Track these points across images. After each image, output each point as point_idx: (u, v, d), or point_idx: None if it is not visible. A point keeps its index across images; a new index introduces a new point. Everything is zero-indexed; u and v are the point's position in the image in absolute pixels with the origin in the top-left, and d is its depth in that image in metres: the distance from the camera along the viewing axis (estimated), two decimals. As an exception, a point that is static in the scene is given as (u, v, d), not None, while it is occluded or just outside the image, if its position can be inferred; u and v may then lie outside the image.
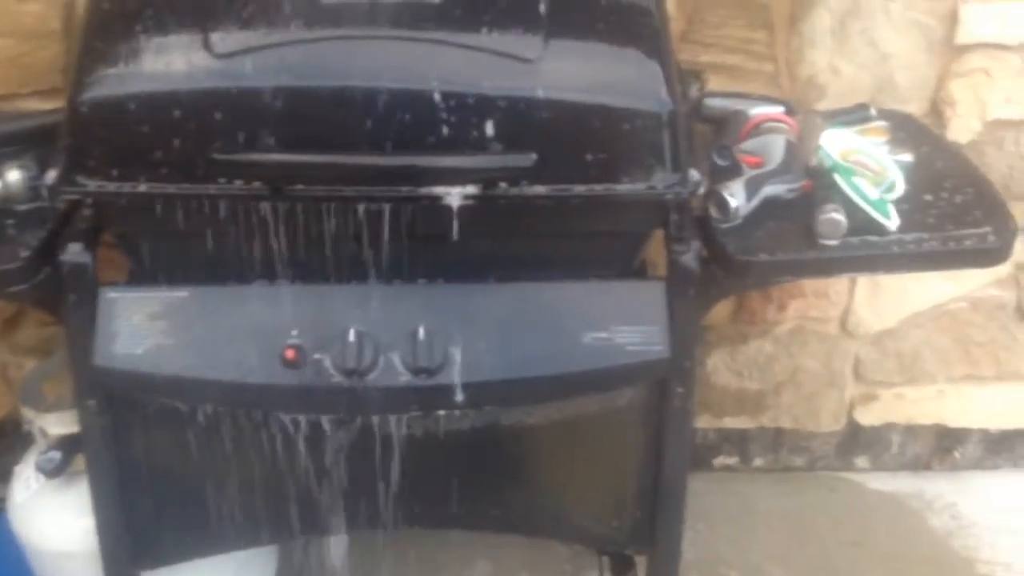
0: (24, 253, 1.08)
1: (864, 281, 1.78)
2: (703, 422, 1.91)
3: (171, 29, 1.04)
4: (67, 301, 1.10)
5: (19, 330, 1.74)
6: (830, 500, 1.92)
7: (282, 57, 1.03)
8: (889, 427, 1.95)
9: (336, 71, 1.03)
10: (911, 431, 1.96)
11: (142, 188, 1.04)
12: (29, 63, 1.51)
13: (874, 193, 1.17)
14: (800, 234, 1.14)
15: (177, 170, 1.03)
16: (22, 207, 1.15)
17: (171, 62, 1.03)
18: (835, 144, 1.24)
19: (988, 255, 1.18)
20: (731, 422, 1.92)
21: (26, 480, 1.37)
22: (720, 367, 1.85)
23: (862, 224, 1.14)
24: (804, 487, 1.94)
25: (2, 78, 1.51)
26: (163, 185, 1.04)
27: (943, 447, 1.98)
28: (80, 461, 1.27)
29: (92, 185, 1.04)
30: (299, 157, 1.02)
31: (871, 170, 1.22)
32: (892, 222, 1.15)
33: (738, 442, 1.96)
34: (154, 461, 1.21)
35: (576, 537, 1.45)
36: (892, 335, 1.84)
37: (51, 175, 1.08)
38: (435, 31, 1.05)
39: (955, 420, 1.93)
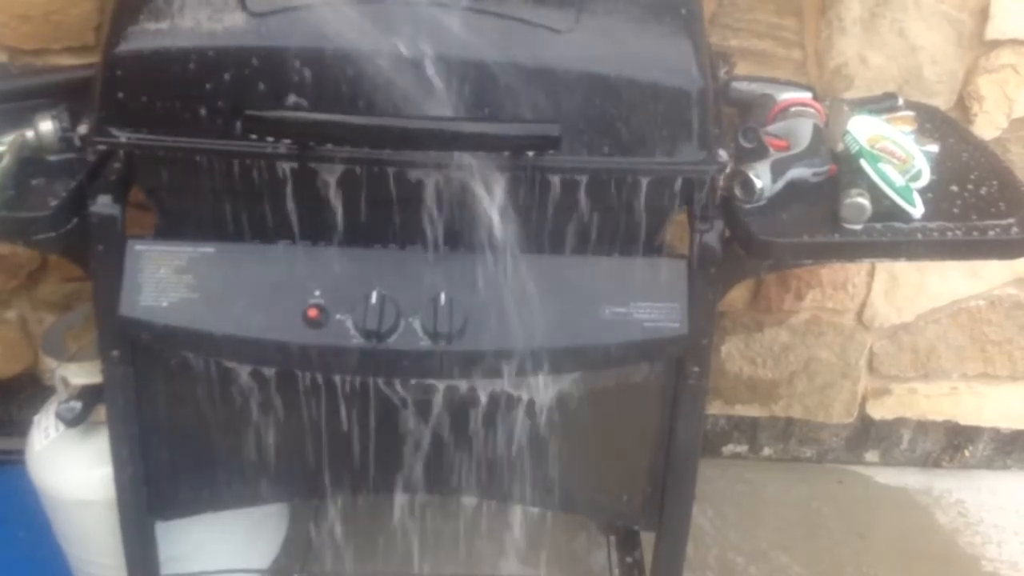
0: (53, 202, 1.09)
1: (882, 274, 1.78)
2: (714, 409, 1.92)
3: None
4: (95, 252, 1.12)
5: (41, 285, 1.75)
6: (838, 492, 1.92)
7: (315, 18, 1.03)
8: (900, 422, 1.95)
9: (368, 34, 1.03)
10: (922, 427, 1.96)
11: (173, 142, 1.05)
12: (61, 20, 1.52)
13: (900, 180, 1.17)
14: (824, 218, 1.14)
15: (208, 125, 1.04)
16: (53, 157, 1.16)
17: (206, 18, 1.04)
18: (862, 130, 1.24)
19: (1011, 247, 1.17)
20: (742, 410, 1.92)
21: (45, 429, 1.39)
22: (734, 354, 1.85)
23: (886, 210, 1.15)
24: (812, 478, 1.95)
25: (35, 33, 1.53)
26: (194, 140, 1.04)
27: (953, 444, 1.98)
28: (99, 412, 1.29)
29: (124, 137, 1.05)
30: (329, 117, 1.02)
31: (897, 157, 1.22)
32: (917, 210, 1.15)
33: (748, 430, 1.96)
34: (174, 413, 1.22)
35: (586, 510, 1.46)
36: (908, 329, 1.84)
37: (84, 126, 1.08)
38: (468, -1, 1.05)
39: (967, 418, 1.93)
